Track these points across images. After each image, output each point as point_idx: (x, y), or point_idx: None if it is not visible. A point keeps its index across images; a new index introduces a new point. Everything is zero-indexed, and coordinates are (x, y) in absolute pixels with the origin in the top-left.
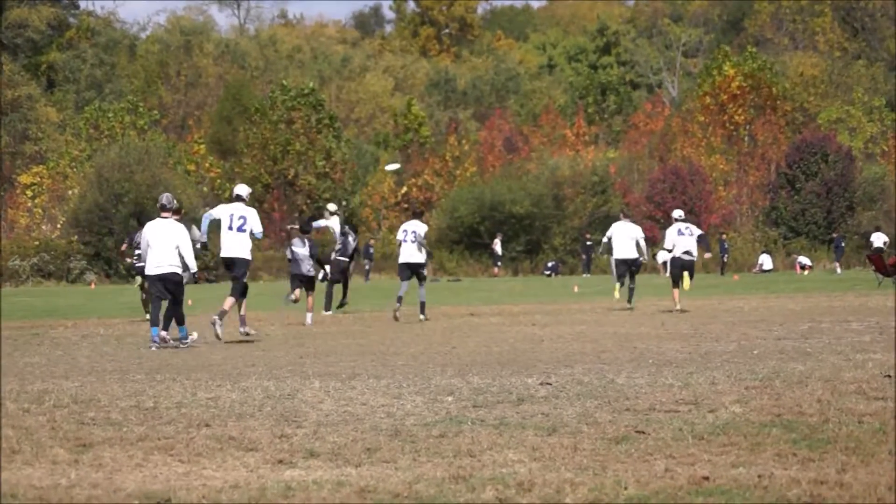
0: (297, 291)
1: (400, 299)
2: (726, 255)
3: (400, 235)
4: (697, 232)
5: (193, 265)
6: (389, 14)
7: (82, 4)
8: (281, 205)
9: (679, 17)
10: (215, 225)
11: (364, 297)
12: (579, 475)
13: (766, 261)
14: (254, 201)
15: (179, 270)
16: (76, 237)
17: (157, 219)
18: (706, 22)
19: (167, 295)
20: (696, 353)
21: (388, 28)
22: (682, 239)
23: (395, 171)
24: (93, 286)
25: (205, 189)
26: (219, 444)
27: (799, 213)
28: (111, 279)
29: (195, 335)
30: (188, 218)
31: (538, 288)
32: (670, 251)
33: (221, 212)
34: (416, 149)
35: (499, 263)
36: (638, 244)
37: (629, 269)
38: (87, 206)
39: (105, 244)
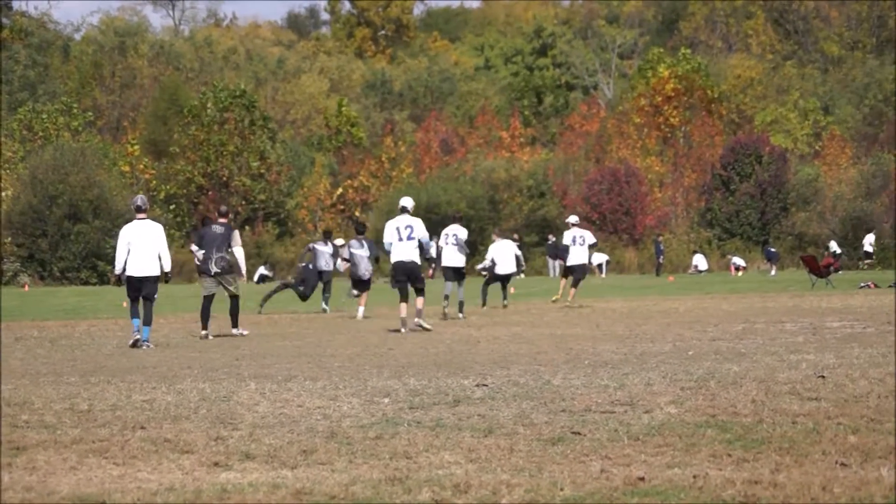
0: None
1: (447, 297)
2: (661, 257)
3: (442, 240)
4: (591, 240)
5: (168, 265)
6: (325, 15)
7: (15, 5)
8: (216, 206)
9: (614, 19)
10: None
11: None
12: (515, 476)
13: (700, 262)
14: (189, 203)
15: (157, 273)
16: (9, 239)
17: (135, 221)
18: (641, 23)
19: (140, 295)
20: (631, 354)
21: (324, 29)
22: (575, 249)
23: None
24: (26, 288)
25: (139, 191)
26: (154, 446)
27: (733, 214)
28: (45, 281)
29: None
30: (371, 240)
31: (473, 289)
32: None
33: (390, 227)
34: (351, 150)
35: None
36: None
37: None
38: (20, 207)
39: (39, 246)
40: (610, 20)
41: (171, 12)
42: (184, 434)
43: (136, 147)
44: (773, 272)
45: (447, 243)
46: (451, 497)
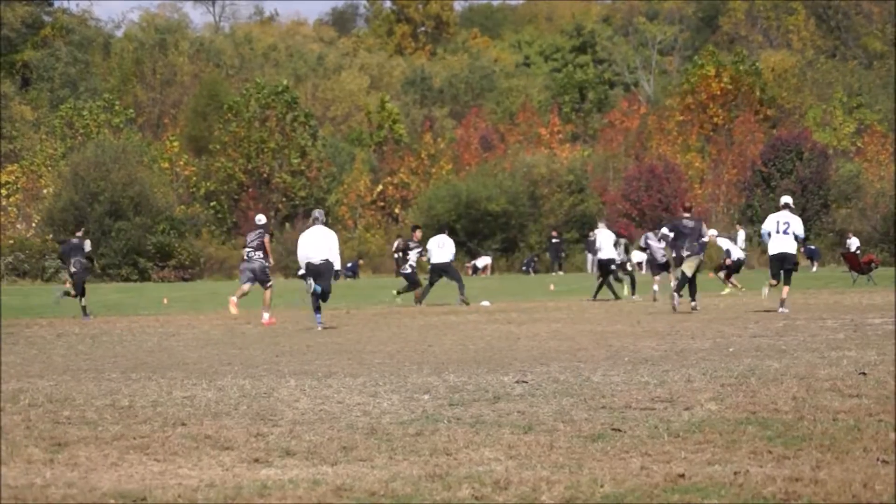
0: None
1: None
2: (703, 253)
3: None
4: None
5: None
6: (365, 11)
7: (56, 3)
8: (256, 203)
9: (654, 16)
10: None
11: (341, 297)
12: (555, 473)
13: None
14: (229, 199)
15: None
16: (51, 236)
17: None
18: (681, 20)
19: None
20: (671, 351)
21: (361, 24)
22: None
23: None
24: (67, 285)
25: (180, 190)
26: (194, 442)
27: (774, 210)
28: None
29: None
30: (729, 235)
31: (514, 286)
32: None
33: (770, 220)
34: (392, 146)
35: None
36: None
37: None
38: (62, 204)
39: None
40: (650, 17)
41: (211, 9)
42: (224, 430)
43: (176, 144)
44: (813, 269)
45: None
46: (490, 494)
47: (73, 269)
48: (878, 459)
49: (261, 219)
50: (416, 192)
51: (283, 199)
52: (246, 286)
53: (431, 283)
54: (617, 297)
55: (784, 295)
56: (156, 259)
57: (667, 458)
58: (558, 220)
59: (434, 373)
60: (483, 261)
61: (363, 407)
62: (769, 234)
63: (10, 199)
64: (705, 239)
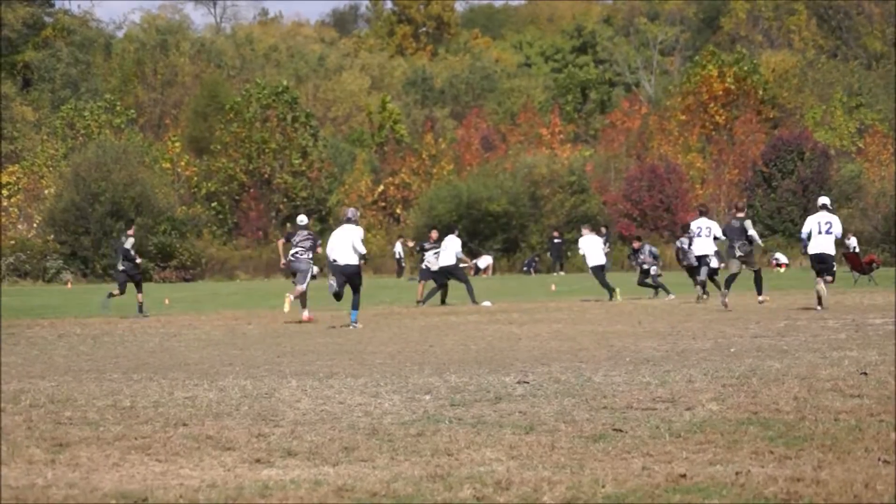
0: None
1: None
2: None
3: (694, 230)
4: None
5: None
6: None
7: (58, 3)
8: (258, 203)
9: (655, 16)
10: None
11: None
12: (557, 473)
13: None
14: (230, 200)
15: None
16: (52, 236)
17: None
18: (682, 20)
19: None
20: (672, 351)
21: (365, 27)
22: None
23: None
24: (69, 286)
25: (181, 190)
26: (196, 443)
27: (775, 210)
28: (87, 278)
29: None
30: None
31: (515, 286)
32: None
33: (811, 221)
34: (393, 147)
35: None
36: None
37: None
38: (63, 205)
39: (81, 243)
40: (651, 17)
41: (212, 10)
42: (226, 431)
43: (177, 144)
44: None
45: (700, 235)
46: (492, 494)
47: (120, 268)
48: (879, 459)
49: (303, 219)
50: (417, 192)
51: (285, 200)
52: (303, 287)
53: (439, 285)
54: (611, 298)
55: (821, 287)
56: (157, 259)
57: (668, 458)
58: (559, 220)
59: (435, 373)
60: (484, 261)
61: (365, 407)
62: (809, 235)
63: (12, 200)
64: (751, 233)
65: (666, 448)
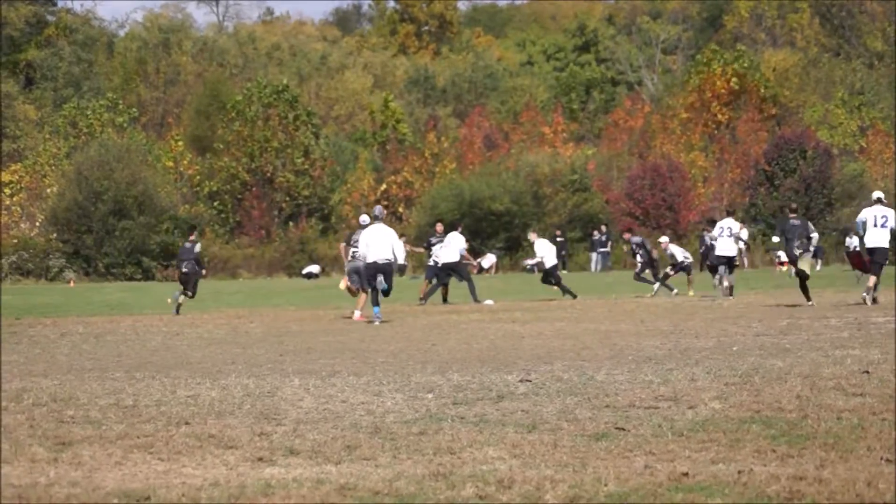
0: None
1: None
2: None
3: (716, 232)
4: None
5: (402, 258)
6: (370, 12)
7: (60, 2)
8: (260, 202)
9: (658, 15)
10: None
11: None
12: (559, 472)
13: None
14: (233, 199)
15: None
16: (55, 235)
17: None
18: (685, 19)
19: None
20: (675, 350)
21: (368, 25)
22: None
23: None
24: (72, 284)
25: (183, 189)
26: (198, 441)
27: (777, 209)
28: (90, 277)
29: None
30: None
31: (518, 285)
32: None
33: (866, 212)
34: (395, 145)
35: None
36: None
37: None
38: (65, 203)
39: (84, 242)
40: (653, 16)
41: (214, 9)
42: (228, 430)
43: (180, 143)
44: (818, 267)
45: (722, 235)
46: (494, 493)
47: (184, 270)
48: (881, 458)
49: (365, 220)
50: (419, 191)
51: (287, 199)
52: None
53: (441, 283)
54: (574, 296)
55: (871, 283)
56: (160, 258)
57: (671, 456)
58: (562, 219)
59: (438, 372)
60: (488, 260)
61: (367, 406)
62: (864, 225)
63: (14, 199)
64: (814, 235)
65: (668, 446)
